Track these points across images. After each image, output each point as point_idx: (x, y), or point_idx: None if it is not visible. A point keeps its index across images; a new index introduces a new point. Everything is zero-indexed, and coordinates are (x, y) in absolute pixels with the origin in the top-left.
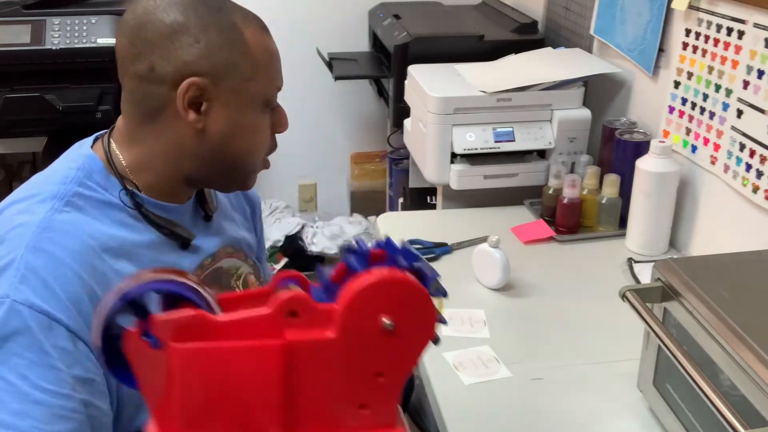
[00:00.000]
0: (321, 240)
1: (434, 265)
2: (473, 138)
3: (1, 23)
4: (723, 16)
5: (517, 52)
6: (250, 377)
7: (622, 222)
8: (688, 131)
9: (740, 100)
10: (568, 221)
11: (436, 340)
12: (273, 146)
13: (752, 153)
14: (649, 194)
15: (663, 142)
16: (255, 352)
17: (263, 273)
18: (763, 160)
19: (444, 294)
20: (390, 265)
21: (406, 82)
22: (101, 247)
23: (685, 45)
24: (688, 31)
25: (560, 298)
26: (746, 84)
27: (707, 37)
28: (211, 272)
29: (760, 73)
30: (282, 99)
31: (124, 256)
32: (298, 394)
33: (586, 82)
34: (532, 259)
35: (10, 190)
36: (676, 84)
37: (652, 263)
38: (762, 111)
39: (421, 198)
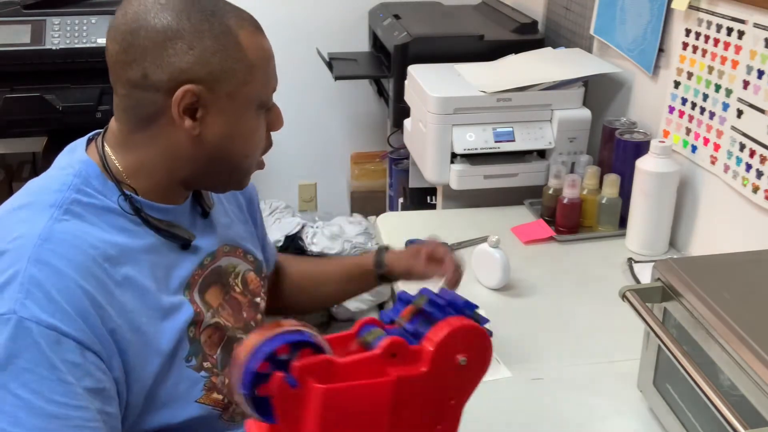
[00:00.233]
0: (321, 240)
1: None
2: (473, 138)
3: (1, 23)
4: (723, 16)
5: (517, 52)
6: (369, 407)
7: (622, 222)
8: (688, 131)
9: (740, 100)
10: (568, 221)
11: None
12: (268, 145)
13: (752, 153)
14: (649, 194)
15: (663, 142)
16: (375, 387)
17: (267, 262)
18: (763, 160)
19: (487, 322)
20: (460, 315)
21: (406, 82)
22: (102, 256)
23: (685, 45)
24: (688, 31)
25: (560, 298)
26: (746, 84)
27: (707, 37)
28: (212, 271)
29: (760, 73)
30: (282, 99)
31: (125, 262)
32: (397, 417)
33: (586, 82)
34: (532, 259)
35: (10, 190)
36: (676, 84)
37: (652, 263)
38: (762, 111)
39: (421, 198)
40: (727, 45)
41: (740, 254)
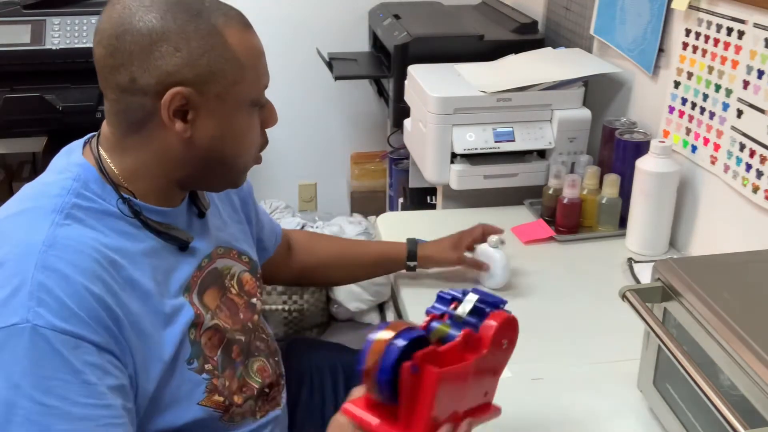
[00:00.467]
0: None
1: None
2: (473, 138)
3: (1, 23)
4: (723, 16)
5: (517, 52)
6: (459, 383)
7: (622, 222)
8: (688, 131)
9: (740, 100)
10: (568, 221)
11: None
12: (264, 142)
13: (752, 153)
14: (649, 194)
15: (663, 142)
16: (464, 367)
17: (268, 242)
18: (763, 160)
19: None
20: (498, 309)
21: (406, 82)
22: (106, 260)
23: (685, 45)
24: (688, 31)
25: (560, 298)
26: (746, 84)
27: (707, 37)
28: (209, 273)
29: (760, 73)
30: (282, 99)
31: (127, 266)
32: (468, 389)
33: (586, 82)
34: (532, 259)
35: (10, 190)
36: (676, 84)
37: (652, 263)
38: (762, 111)
39: (421, 198)
40: (727, 45)
41: (740, 254)
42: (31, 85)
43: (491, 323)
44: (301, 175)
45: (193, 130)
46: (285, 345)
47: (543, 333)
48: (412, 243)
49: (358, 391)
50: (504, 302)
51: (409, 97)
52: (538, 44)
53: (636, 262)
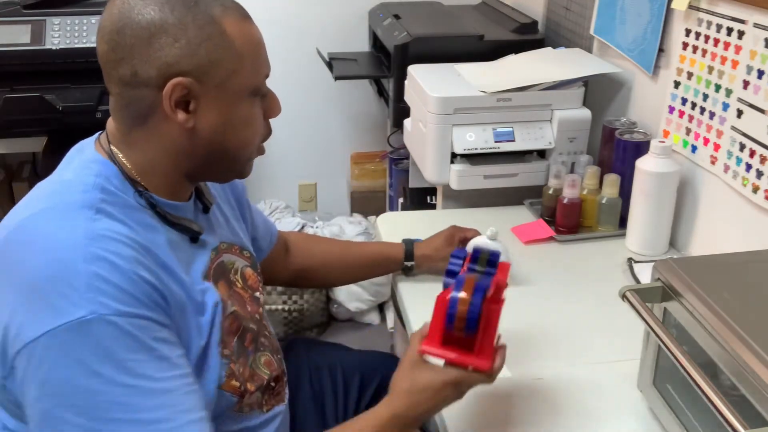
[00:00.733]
0: None
1: None
2: (473, 138)
3: (1, 23)
4: (723, 16)
5: (517, 52)
6: (492, 315)
7: (622, 222)
8: (688, 131)
9: (740, 100)
10: (568, 221)
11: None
12: (267, 132)
13: (752, 153)
14: (649, 194)
15: (663, 142)
16: (498, 304)
17: (262, 241)
18: (763, 160)
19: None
20: (502, 261)
21: (406, 82)
22: (142, 248)
23: (685, 45)
24: (688, 31)
25: (560, 298)
26: (746, 84)
27: (707, 37)
28: (218, 265)
29: (760, 73)
30: (282, 99)
31: (159, 255)
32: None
33: (586, 82)
34: (532, 259)
35: (11, 190)
36: (676, 84)
37: (652, 263)
38: (762, 111)
39: (421, 198)
40: (727, 45)
41: (740, 254)
42: (31, 85)
43: (505, 273)
44: (301, 175)
45: (196, 120)
46: (285, 345)
47: (543, 333)
48: (409, 243)
49: (416, 340)
50: (500, 253)
51: (409, 97)
52: (538, 44)
53: (636, 262)
